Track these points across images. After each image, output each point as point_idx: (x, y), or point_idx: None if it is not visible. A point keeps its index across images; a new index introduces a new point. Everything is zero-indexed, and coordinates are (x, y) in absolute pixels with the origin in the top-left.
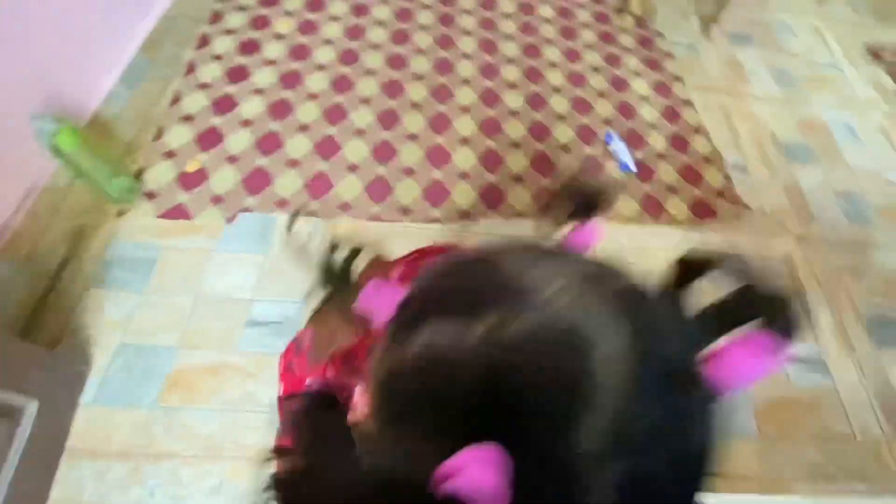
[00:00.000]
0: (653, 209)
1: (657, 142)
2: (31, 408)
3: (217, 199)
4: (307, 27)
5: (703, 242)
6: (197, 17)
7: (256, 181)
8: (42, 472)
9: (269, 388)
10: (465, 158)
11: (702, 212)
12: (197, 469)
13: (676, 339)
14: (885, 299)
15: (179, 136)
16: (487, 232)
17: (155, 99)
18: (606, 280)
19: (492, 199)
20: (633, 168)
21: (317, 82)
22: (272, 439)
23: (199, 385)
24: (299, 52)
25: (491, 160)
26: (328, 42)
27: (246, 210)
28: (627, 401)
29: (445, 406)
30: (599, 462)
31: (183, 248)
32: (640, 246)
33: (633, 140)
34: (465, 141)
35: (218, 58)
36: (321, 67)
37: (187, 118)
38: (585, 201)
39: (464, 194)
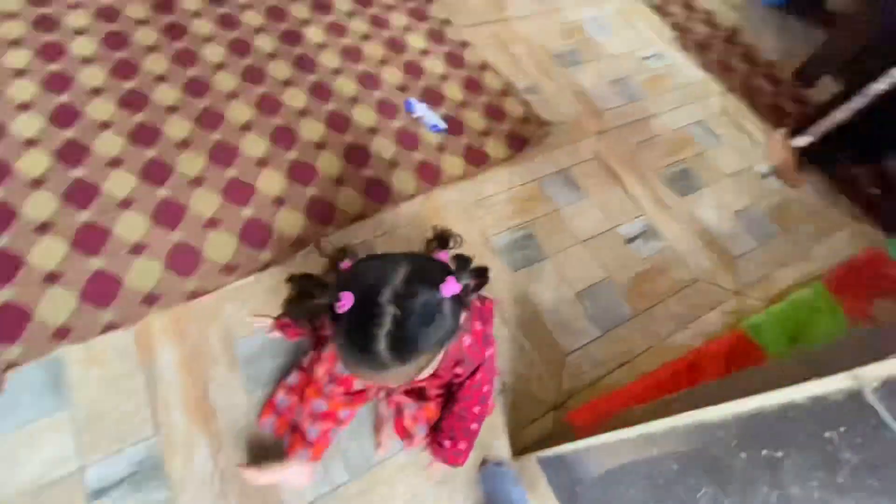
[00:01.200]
0: (476, 159)
1: (454, 92)
2: None
3: None
4: None
5: (529, 171)
6: None
7: (8, 322)
8: None
9: None
10: (270, 182)
11: (517, 143)
12: None
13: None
14: (672, 156)
15: None
16: (333, 247)
17: None
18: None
19: (321, 212)
20: (444, 125)
21: (32, 163)
22: None
23: None
24: None
25: (300, 172)
26: (21, 74)
27: (13, 366)
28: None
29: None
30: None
31: None
32: (478, 199)
33: (433, 98)
34: (262, 163)
35: None
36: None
37: None
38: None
39: (288, 220)
